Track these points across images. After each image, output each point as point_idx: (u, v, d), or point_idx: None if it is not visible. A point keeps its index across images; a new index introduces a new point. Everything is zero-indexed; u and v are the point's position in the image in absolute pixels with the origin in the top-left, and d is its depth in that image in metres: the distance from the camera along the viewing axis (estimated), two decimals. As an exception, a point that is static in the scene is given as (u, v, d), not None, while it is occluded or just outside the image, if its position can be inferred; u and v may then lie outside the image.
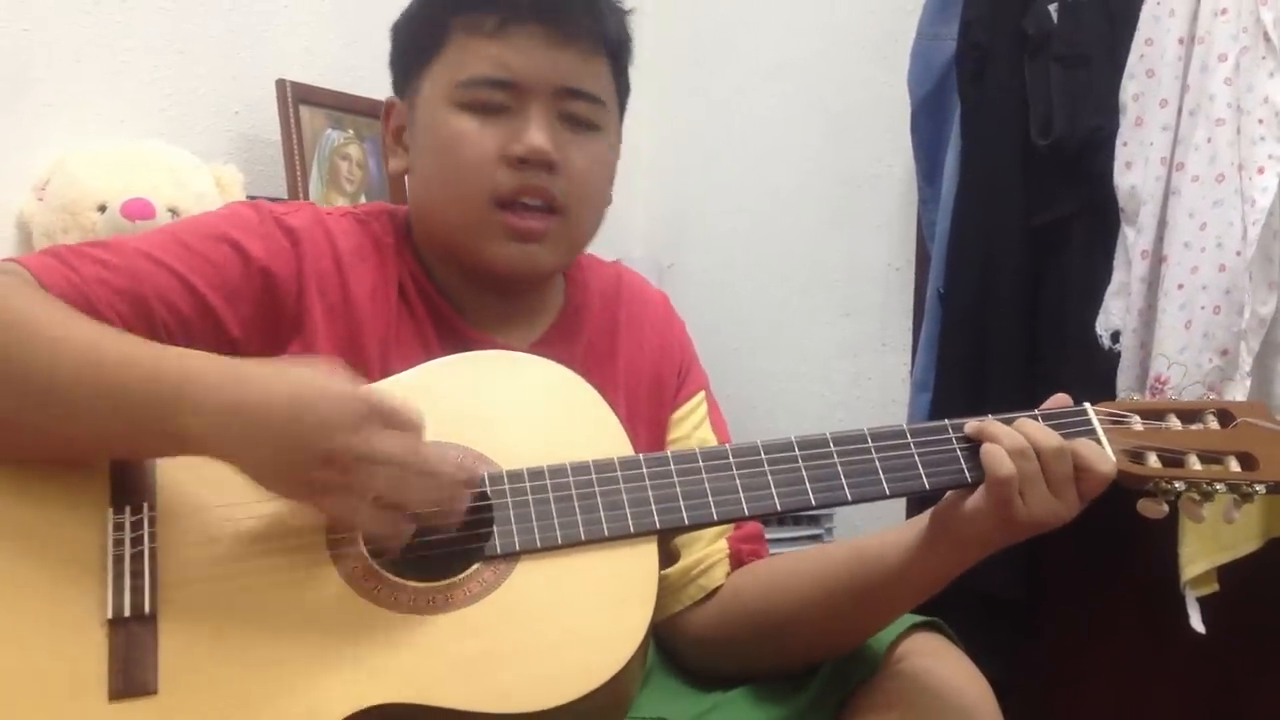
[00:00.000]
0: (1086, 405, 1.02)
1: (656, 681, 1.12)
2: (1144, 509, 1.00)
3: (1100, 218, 1.87)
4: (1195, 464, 0.99)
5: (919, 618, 1.07)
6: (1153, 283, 1.77)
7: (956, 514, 0.96)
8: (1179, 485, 0.98)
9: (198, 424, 0.87)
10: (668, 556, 1.05)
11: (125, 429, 0.89)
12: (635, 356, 1.16)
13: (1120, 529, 2.00)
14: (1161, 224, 1.76)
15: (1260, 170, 1.66)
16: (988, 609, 1.89)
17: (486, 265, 1.08)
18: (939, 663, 1.02)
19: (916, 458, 0.98)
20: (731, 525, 1.13)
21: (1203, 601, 1.76)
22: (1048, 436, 0.95)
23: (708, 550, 1.11)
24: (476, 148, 1.04)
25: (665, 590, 1.10)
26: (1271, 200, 1.65)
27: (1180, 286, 1.71)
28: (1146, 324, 1.77)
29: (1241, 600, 1.80)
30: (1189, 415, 1.03)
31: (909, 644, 1.04)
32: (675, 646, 1.14)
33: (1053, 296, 1.94)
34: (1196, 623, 1.75)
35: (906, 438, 0.99)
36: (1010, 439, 0.94)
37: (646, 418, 1.15)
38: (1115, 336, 1.81)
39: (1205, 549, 1.76)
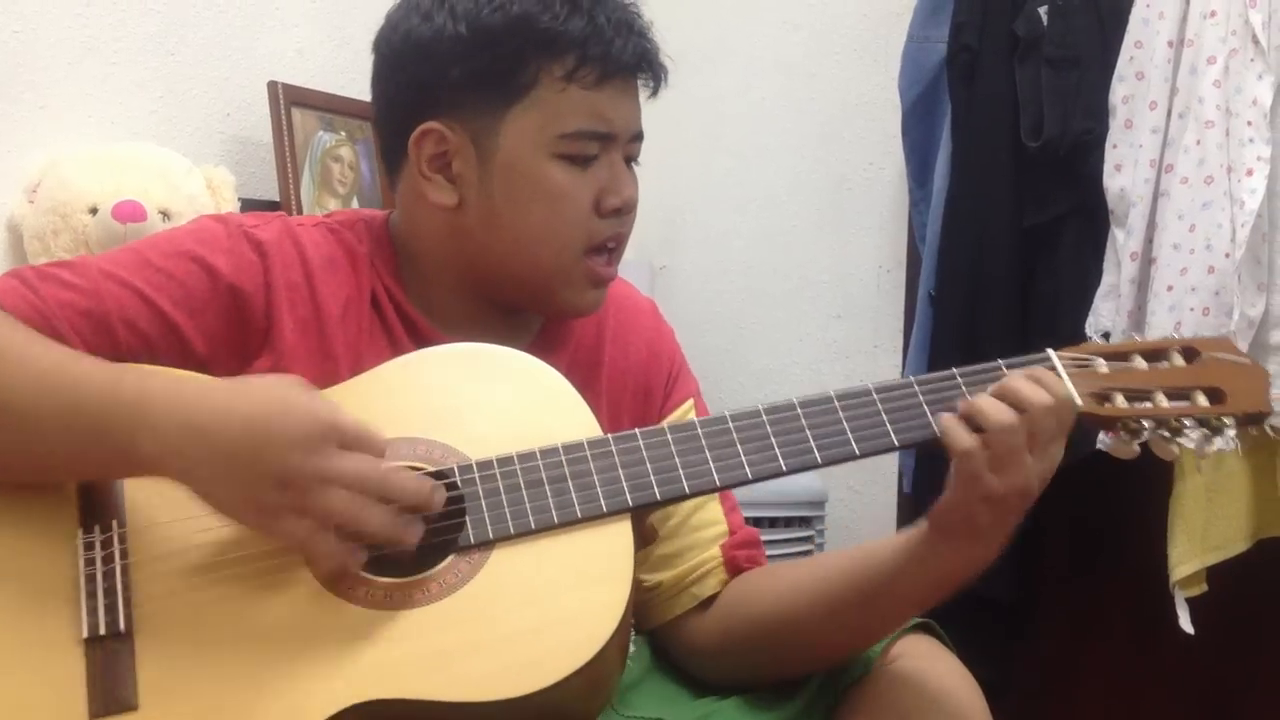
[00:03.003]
0: (1049, 350, 1.01)
1: (652, 683, 1.11)
2: (1113, 450, 0.99)
3: (1090, 220, 1.88)
4: (1163, 401, 0.98)
5: (911, 619, 1.07)
6: (1142, 284, 1.78)
7: (940, 503, 0.96)
8: (1147, 424, 0.97)
9: (153, 446, 0.87)
10: (643, 539, 1.05)
11: (83, 451, 0.90)
12: (620, 365, 1.16)
13: (1111, 531, 2.02)
14: (1151, 226, 1.77)
15: (1249, 172, 1.67)
16: (980, 611, 1.89)
17: (559, 308, 1.09)
18: (931, 665, 1.02)
19: (884, 415, 0.98)
20: (727, 532, 1.13)
21: (1192, 602, 1.77)
22: (1035, 393, 0.93)
23: (702, 558, 1.11)
24: (578, 201, 1.05)
25: (658, 599, 1.11)
26: (1260, 202, 1.65)
27: (1169, 288, 1.71)
28: (1136, 325, 1.78)
29: (1231, 600, 1.81)
30: (1154, 355, 1.01)
31: (901, 646, 1.04)
32: (673, 653, 1.13)
33: (1043, 298, 1.94)
34: (1186, 623, 1.75)
35: (873, 395, 0.99)
36: (987, 414, 0.92)
37: (631, 427, 1.14)
38: (1105, 338, 1.81)
39: (1194, 549, 1.77)
